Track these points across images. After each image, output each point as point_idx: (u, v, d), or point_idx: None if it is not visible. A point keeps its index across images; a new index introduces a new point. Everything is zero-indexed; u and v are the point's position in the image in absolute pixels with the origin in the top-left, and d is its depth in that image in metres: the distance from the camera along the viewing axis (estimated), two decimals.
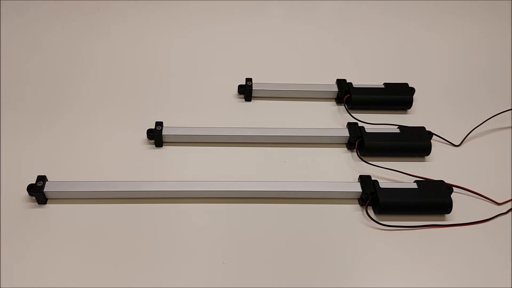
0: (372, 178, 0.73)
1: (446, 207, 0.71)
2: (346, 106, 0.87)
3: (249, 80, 0.88)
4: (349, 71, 0.95)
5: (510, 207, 0.74)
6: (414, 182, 0.74)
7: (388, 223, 0.70)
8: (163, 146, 0.80)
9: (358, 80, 0.89)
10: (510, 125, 0.86)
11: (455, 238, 0.69)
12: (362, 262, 0.67)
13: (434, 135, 0.81)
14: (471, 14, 1.12)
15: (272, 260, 0.66)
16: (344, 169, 0.78)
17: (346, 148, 0.81)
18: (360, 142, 0.79)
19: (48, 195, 0.71)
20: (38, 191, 0.69)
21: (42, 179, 0.70)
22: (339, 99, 0.89)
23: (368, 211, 0.72)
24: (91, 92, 0.89)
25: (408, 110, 0.88)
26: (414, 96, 0.87)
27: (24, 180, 0.71)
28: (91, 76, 0.92)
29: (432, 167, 0.79)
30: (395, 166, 0.77)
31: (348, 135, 0.80)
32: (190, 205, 0.72)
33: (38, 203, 0.71)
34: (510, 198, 0.75)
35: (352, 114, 0.86)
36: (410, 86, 0.88)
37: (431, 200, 0.71)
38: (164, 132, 0.78)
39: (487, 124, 0.85)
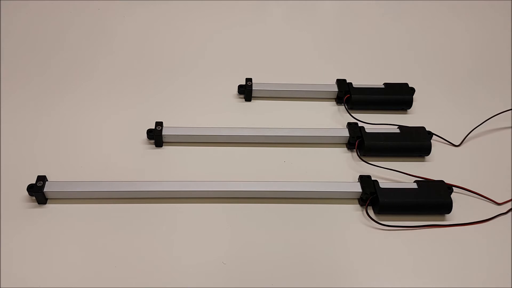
0: (372, 178, 0.73)
1: (446, 207, 0.71)
2: (346, 106, 0.87)
3: (249, 80, 0.88)
4: (349, 71, 0.95)
5: (510, 207, 0.74)
6: (414, 182, 0.74)
7: (388, 223, 0.70)
8: (163, 146, 0.80)
9: (358, 80, 0.89)
10: (510, 125, 0.86)
11: (455, 238, 0.69)
12: (362, 262, 0.67)
13: (434, 135, 0.81)
14: (471, 14, 1.12)
15: (272, 260, 0.66)
16: (344, 169, 0.78)
17: (346, 148, 0.81)
18: (360, 142, 0.79)
19: (48, 195, 0.71)
20: (38, 191, 0.69)
21: (42, 179, 0.70)
22: (339, 99, 0.89)
23: (368, 211, 0.72)
24: (91, 92, 0.89)
25: (408, 110, 0.88)
26: (414, 96, 0.87)
27: (24, 180, 0.71)
28: (91, 76, 0.92)
29: (432, 167, 0.79)
30: (395, 166, 0.77)
31: (348, 135, 0.80)
32: (190, 205, 0.72)
33: (38, 203, 0.71)
34: (510, 198, 0.75)
35: (352, 114, 0.86)
36: (410, 86, 0.88)
37: (431, 200, 0.71)
38: (164, 132, 0.78)
39: (487, 124, 0.85)
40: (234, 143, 0.80)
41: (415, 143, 0.79)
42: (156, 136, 0.78)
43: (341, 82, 0.89)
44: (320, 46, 1.03)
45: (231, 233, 0.69)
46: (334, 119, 0.86)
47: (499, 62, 1.00)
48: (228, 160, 0.78)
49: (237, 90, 0.89)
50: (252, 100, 0.89)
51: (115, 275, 0.64)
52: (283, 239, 0.69)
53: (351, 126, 0.81)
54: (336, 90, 0.88)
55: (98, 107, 0.86)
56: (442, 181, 0.73)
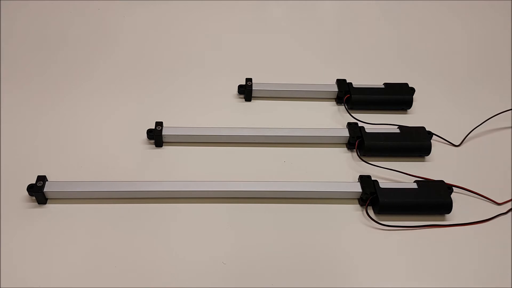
0: (372, 178, 0.73)
1: (446, 207, 0.71)
2: (346, 106, 0.87)
3: (249, 80, 0.88)
4: (349, 71, 0.95)
5: (510, 207, 0.74)
6: (414, 182, 0.74)
7: (388, 223, 0.70)
8: (163, 146, 0.80)
9: (358, 80, 0.89)
10: (510, 125, 0.86)
11: (455, 238, 0.69)
12: (362, 262, 0.67)
13: (434, 135, 0.81)
14: (471, 14, 1.12)
15: (272, 260, 0.66)
16: (344, 169, 0.78)
17: (346, 148, 0.81)
18: (360, 142, 0.79)
19: (48, 195, 0.71)
20: (38, 191, 0.69)
21: (42, 179, 0.70)
22: (339, 99, 0.89)
23: (368, 211, 0.72)
24: (91, 92, 0.89)
25: (408, 110, 0.88)
26: (414, 96, 0.87)
27: (24, 180, 0.71)
28: (91, 76, 0.92)
29: (432, 167, 0.79)
30: (395, 166, 0.77)
31: (348, 135, 0.80)
32: (190, 205, 0.72)
33: (38, 203, 0.71)
34: (510, 198, 0.75)
35: (352, 114, 0.86)
36: (410, 86, 0.88)
37: (431, 200, 0.71)
38: (164, 132, 0.78)
39: (487, 124, 0.85)
40: (234, 143, 0.80)
41: (415, 143, 0.79)
42: (156, 136, 0.78)
43: (341, 82, 0.89)
44: (320, 46, 1.03)
45: (231, 233, 0.69)
46: (334, 119, 0.86)
47: (499, 62, 1.00)
48: (228, 160, 0.78)
49: (237, 90, 0.89)
50: (252, 100, 0.89)
51: (115, 275, 0.64)
52: (283, 239, 0.69)
53: (351, 126, 0.81)
54: (336, 90, 0.88)
55: (98, 107, 0.86)
56: (442, 181, 0.73)
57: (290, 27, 1.08)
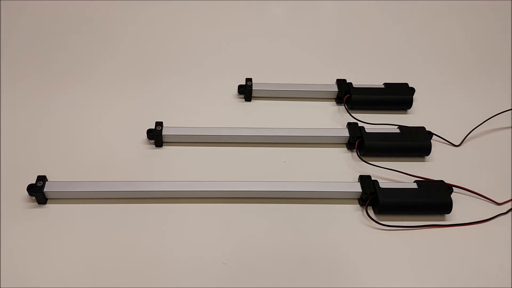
0: (372, 178, 0.73)
1: (446, 207, 0.71)
2: (346, 106, 0.87)
3: (249, 80, 0.88)
4: (349, 71, 0.95)
5: (510, 207, 0.74)
6: (414, 182, 0.74)
7: (388, 223, 0.70)
8: (163, 146, 0.80)
9: (358, 80, 0.89)
10: (510, 125, 0.86)
11: (455, 238, 0.69)
12: (362, 262, 0.67)
13: (434, 135, 0.81)
14: (471, 14, 1.12)
15: (272, 260, 0.66)
16: (344, 169, 0.78)
17: (346, 148, 0.81)
18: (360, 142, 0.79)
19: (48, 195, 0.71)
20: (38, 191, 0.69)
21: (42, 179, 0.70)
22: (339, 99, 0.89)
23: (368, 211, 0.72)
24: (91, 92, 0.89)
25: (408, 110, 0.88)
26: (414, 96, 0.87)
27: (24, 180, 0.71)
28: (91, 76, 0.92)
29: (432, 167, 0.79)
30: (395, 166, 0.77)
31: (348, 135, 0.80)
32: (190, 205, 0.72)
33: (38, 203, 0.71)
34: (510, 198, 0.75)
35: (352, 114, 0.86)
36: (410, 86, 0.88)
37: (431, 200, 0.71)
38: (164, 132, 0.78)
39: (487, 124, 0.85)
40: (234, 143, 0.80)
41: (415, 143, 0.79)
42: (156, 136, 0.78)
43: (341, 82, 0.89)
44: (320, 46, 1.03)
45: (231, 233, 0.69)
46: (334, 119, 0.86)
47: (499, 62, 1.00)
48: (228, 160, 0.78)
49: (237, 90, 0.89)
50: (252, 100, 0.89)
51: (115, 275, 0.64)
52: (283, 239, 0.69)
53: (351, 126, 0.81)
54: (336, 90, 0.88)
55: (98, 107, 0.86)
56: (442, 181, 0.73)
57: (290, 27, 1.08)
